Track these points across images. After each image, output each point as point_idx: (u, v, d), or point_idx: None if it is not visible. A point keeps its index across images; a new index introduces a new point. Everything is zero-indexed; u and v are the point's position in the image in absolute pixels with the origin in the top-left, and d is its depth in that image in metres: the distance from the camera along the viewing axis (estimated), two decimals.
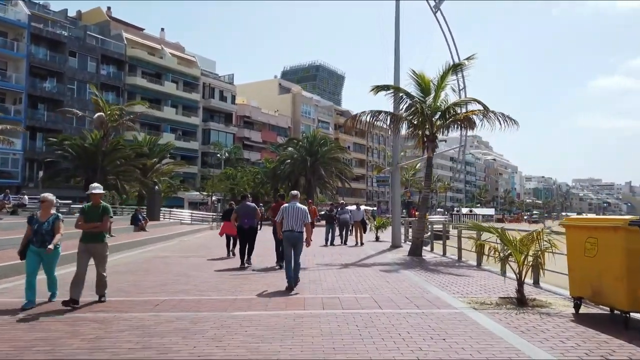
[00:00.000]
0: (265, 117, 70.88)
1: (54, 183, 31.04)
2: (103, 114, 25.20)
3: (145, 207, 27.12)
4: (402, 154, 20.87)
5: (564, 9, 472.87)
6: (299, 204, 8.16)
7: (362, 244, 17.47)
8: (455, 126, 13.61)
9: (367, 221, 20.32)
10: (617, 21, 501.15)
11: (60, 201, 36.70)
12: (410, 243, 18.77)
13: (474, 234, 9.89)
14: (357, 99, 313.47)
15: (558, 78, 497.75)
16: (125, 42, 52.70)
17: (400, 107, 14.00)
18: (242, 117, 67.91)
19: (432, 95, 13.68)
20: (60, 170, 31.25)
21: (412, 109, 13.55)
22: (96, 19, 55.19)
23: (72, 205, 31.69)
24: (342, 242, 18.01)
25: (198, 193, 44.38)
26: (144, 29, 60.46)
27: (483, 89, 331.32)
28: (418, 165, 49.74)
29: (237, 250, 11.91)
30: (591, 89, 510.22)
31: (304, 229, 8.03)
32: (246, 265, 10.97)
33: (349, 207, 19.74)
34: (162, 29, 64.14)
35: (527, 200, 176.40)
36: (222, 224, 14.53)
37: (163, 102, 56.57)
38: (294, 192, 8.63)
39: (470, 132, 13.89)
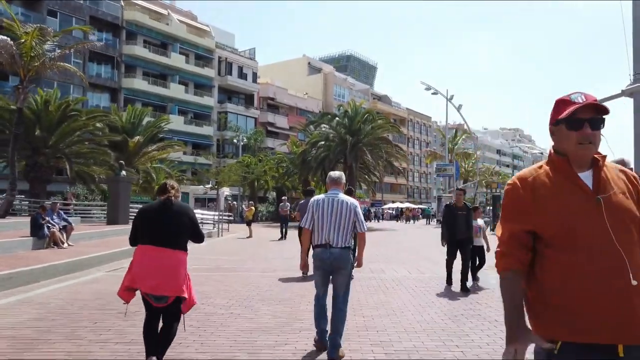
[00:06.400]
0: (292, 100, 60.46)
1: None
2: (5, 37, 14.97)
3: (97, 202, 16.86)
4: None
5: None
6: (343, 195, 4.17)
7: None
8: None
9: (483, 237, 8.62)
10: None
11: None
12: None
13: None
14: (390, 90, 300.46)
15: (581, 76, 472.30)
16: (122, 4, 43.21)
17: None
18: (265, 99, 57.75)
19: None
20: None
21: None
22: None
23: (23, 201, 22.22)
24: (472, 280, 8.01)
25: (202, 186, 34.44)
26: None
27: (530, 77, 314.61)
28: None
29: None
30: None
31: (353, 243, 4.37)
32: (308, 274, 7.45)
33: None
34: None
35: None
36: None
37: (169, 77, 46.99)
38: (335, 173, 4.44)
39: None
